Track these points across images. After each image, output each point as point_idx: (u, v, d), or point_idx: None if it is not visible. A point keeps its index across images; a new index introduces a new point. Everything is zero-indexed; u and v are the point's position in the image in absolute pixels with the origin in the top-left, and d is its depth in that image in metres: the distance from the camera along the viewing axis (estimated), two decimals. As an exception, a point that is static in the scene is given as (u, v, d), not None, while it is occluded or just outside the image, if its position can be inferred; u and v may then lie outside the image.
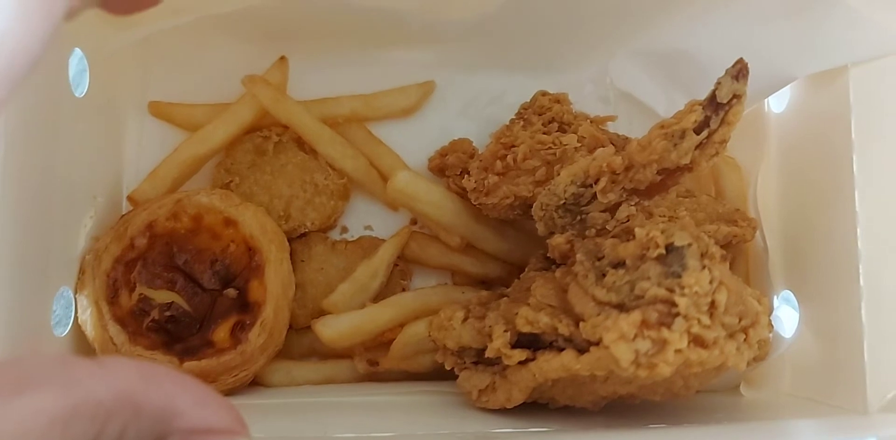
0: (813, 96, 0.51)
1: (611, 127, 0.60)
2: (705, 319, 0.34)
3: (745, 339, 0.37)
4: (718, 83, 0.40)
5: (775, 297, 0.53)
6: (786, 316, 0.53)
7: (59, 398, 0.22)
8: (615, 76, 0.61)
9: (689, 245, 0.36)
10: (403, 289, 0.57)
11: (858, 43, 0.46)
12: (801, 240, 0.53)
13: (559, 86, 0.60)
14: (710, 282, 0.35)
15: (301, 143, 0.58)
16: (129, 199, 0.55)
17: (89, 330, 0.48)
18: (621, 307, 0.37)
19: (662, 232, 0.37)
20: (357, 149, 0.59)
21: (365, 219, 0.61)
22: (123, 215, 0.53)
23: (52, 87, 0.49)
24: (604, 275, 0.39)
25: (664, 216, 0.49)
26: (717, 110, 0.41)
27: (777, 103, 0.56)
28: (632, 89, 0.60)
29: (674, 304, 0.34)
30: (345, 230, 0.60)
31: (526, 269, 0.51)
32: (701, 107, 0.41)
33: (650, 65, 0.59)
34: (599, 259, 0.41)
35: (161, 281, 0.50)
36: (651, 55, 0.59)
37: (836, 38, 0.47)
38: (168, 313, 0.50)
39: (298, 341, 0.55)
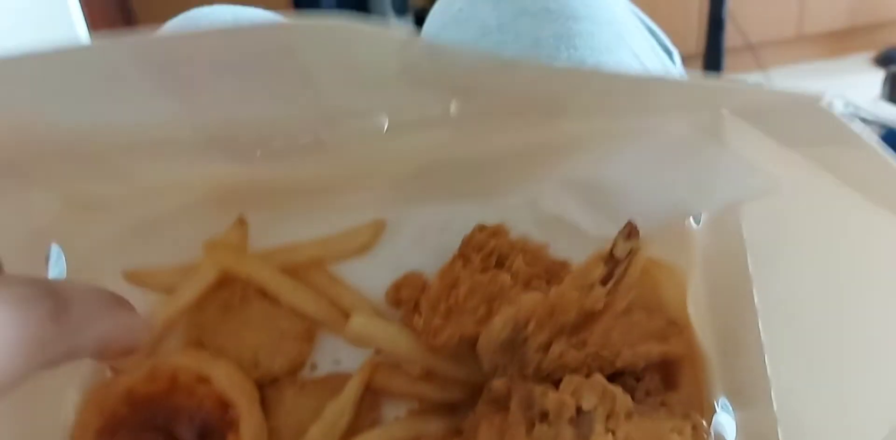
0: (715, 223, 0.57)
1: (551, 250, 0.65)
2: (619, 476, 0.38)
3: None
4: (614, 243, 0.46)
5: (716, 404, 0.57)
6: (726, 422, 0.56)
7: None
8: (544, 202, 0.66)
9: (595, 408, 0.40)
10: (373, 421, 0.61)
11: (741, 183, 0.51)
12: (728, 347, 0.57)
13: (501, 210, 0.66)
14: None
15: (264, 294, 0.63)
16: (112, 370, 0.59)
17: (79, 501, 0.52)
18: (547, 460, 0.41)
19: (572, 394, 0.41)
20: (318, 292, 0.63)
21: (333, 353, 0.65)
22: (101, 385, 0.57)
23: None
24: (532, 426, 0.44)
25: (596, 344, 0.54)
26: (617, 264, 0.46)
27: (697, 219, 0.61)
28: (562, 214, 0.65)
29: (588, 464, 0.39)
30: (314, 367, 0.65)
31: (479, 402, 0.56)
32: (603, 262, 0.47)
33: (575, 192, 0.64)
34: (530, 408, 0.45)
35: (143, 444, 0.54)
36: (575, 184, 0.64)
37: (722, 177, 0.52)
38: (153, 478, 0.53)
39: (275, 485, 0.59)
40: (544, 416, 0.43)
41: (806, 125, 0.43)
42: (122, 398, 0.55)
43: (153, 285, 0.64)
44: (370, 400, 0.62)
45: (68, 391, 0.56)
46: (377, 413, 0.62)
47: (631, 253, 0.46)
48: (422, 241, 0.69)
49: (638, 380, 0.54)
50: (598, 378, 0.45)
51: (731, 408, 0.56)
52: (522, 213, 0.68)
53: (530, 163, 0.63)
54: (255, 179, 0.58)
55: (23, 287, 0.30)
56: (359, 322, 0.59)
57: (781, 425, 0.49)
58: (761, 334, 0.50)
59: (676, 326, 0.59)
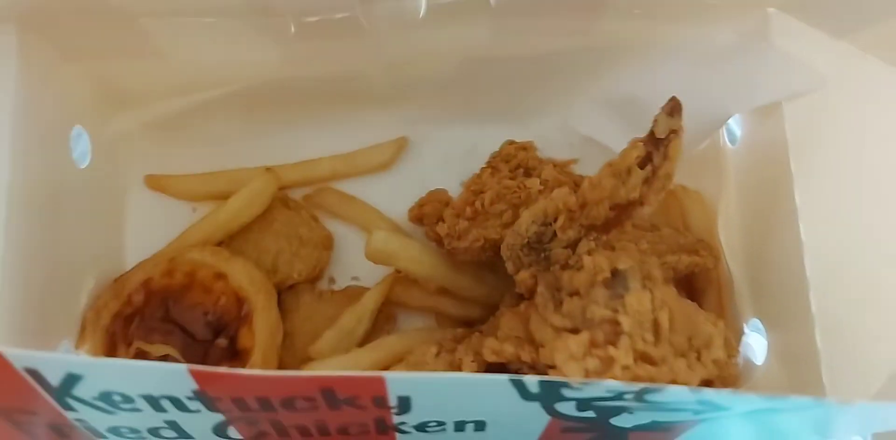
0: (757, 132, 0.55)
1: (576, 169, 0.64)
2: (650, 337, 0.36)
3: (697, 358, 0.39)
4: (655, 120, 0.44)
5: (745, 325, 0.55)
6: (756, 344, 0.54)
7: None
8: (577, 123, 0.65)
9: (631, 267, 0.38)
10: (388, 333, 0.60)
11: (787, 81, 0.49)
12: (762, 270, 0.55)
13: (528, 134, 0.64)
14: (652, 302, 0.37)
15: (286, 202, 0.62)
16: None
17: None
18: (575, 331, 0.40)
19: (607, 258, 0.40)
20: (334, 211, 0.63)
21: (352, 270, 0.64)
22: (121, 275, 0.57)
23: (56, 158, 0.53)
24: (561, 304, 0.42)
25: (625, 248, 0.52)
26: (657, 145, 0.44)
27: (731, 139, 0.59)
28: (593, 134, 0.64)
29: (618, 324, 0.37)
30: (332, 281, 0.63)
31: (500, 307, 0.54)
32: (642, 143, 0.45)
33: (608, 110, 0.63)
34: (558, 290, 0.44)
35: (157, 334, 0.53)
36: (608, 101, 0.63)
37: (767, 78, 0.51)
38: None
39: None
40: (574, 294, 0.41)
41: (857, 4, 0.41)
42: (140, 286, 0.54)
43: (173, 191, 0.64)
44: (387, 312, 0.60)
45: (85, 278, 0.55)
46: (393, 325, 0.61)
47: (672, 133, 0.44)
48: (446, 162, 0.67)
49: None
50: (632, 247, 0.43)
51: (763, 330, 0.54)
52: (553, 135, 0.66)
53: (566, 77, 0.61)
54: (285, 76, 0.58)
55: None
56: (379, 237, 0.57)
57: (821, 343, 0.46)
58: (802, 235, 0.48)
59: (705, 243, 0.57)
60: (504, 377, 0.29)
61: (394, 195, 0.65)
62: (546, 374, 0.39)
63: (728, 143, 0.60)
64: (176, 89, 0.57)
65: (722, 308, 0.57)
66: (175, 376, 0.29)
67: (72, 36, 0.51)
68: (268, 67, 0.56)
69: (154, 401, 0.32)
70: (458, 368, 0.44)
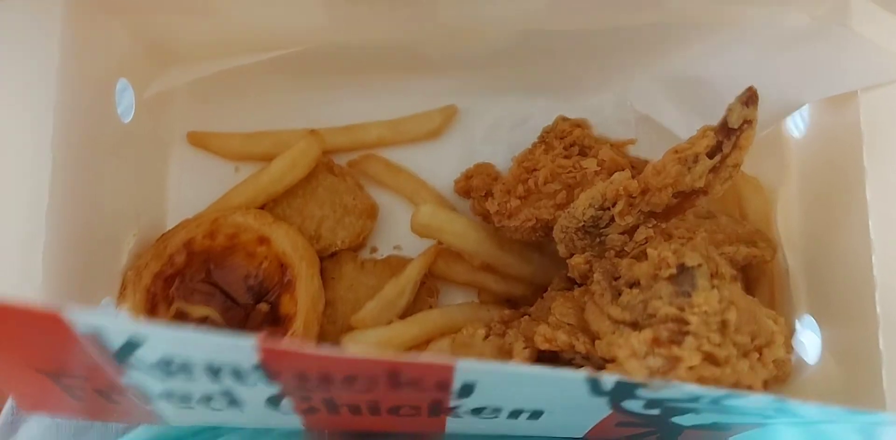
0: (828, 121, 0.52)
1: (631, 150, 0.62)
2: (716, 337, 0.35)
3: (758, 358, 0.38)
4: (730, 109, 0.42)
5: (798, 322, 0.54)
6: (808, 340, 0.53)
7: None
8: (635, 100, 0.63)
9: (699, 265, 0.37)
10: (430, 306, 0.59)
11: (866, 69, 0.47)
12: (822, 265, 0.53)
13: (580, 109, 0.62)
14: (720, 302, 0.36)
15: (331, 168, 0.61)
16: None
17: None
18: (635, 325, 0.39)
19: (674, 253, 0.38)
20: (379, 180, 0.62)
21: (394, 239, 0.63)
22: (163, 234, 0.56)
23: (100, 112, 0.52)
24: (619, 295, 0.41)
25: (683, 237, 0.50)
26: (728, 135, 0.42)
27: (797, 128, 0.57)
28: (651, 113, 0.61)
29: (684, 323, 0.36)
30: (374, 250, 0.63)
31: (548, 289, 0.53)
32: (713, 132, 0.43)
33: (669, 89, 0.60)
34: (616, 279, 0.43)
35: (197, 295, 0.53)
36: (670, 80, 0.60)
37: (844, 65, 0.48)
38: (204, 326, 0.52)
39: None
40: (634, 285, 0.40)
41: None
42: (181, 247, 0.53)
43: (216, 149, 0.62)
44: (430, 285, 0.59)
45: (127, 234, 0.55)
46: (435, 299, 0.60)
47: (745, 123, 0.42)
48: (494, 134, 0.65)
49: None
50: (700, 241, 0.41)
51: (816, 327, 0.52)
52: (607, 112, 0.63)
53: (626, 51, 0.59)
54: (339, 40, 0.56)
55: None
56: (426, 211, 0.56)
57: (884, 345, 0.45)
58: (871, 231, 0.46)
59: (763, 234, 0.56)
60: (581, 375, 0.28)
61: (439, 165, 0.64)
62: (602, 367, 0.39)
63: (792, 130, 0.57)
64: (224, 48, 0.55)
65: (774, 301, 0.56)
66: (241, 349, 0.29)
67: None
68: (319, 32, 0.54)
69: (214, 371, 0.31)
70: (509, 353, 0.44)
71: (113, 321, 0.29)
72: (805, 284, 0.55)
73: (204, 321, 0.52)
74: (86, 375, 0.33)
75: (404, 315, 0.57)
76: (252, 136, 0.62)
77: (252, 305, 0.54)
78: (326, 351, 0.28)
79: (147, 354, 0.30)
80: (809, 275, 0.55)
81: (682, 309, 0.36)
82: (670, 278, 0.37)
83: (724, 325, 0.36)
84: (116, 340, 0.29)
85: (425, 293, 0.59)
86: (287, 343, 0.28)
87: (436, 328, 0.55)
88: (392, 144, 0.64)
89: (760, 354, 0.38)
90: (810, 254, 0.55)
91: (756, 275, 0.56)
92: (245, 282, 0.54)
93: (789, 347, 0.42)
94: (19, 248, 0.43)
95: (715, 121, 0.48)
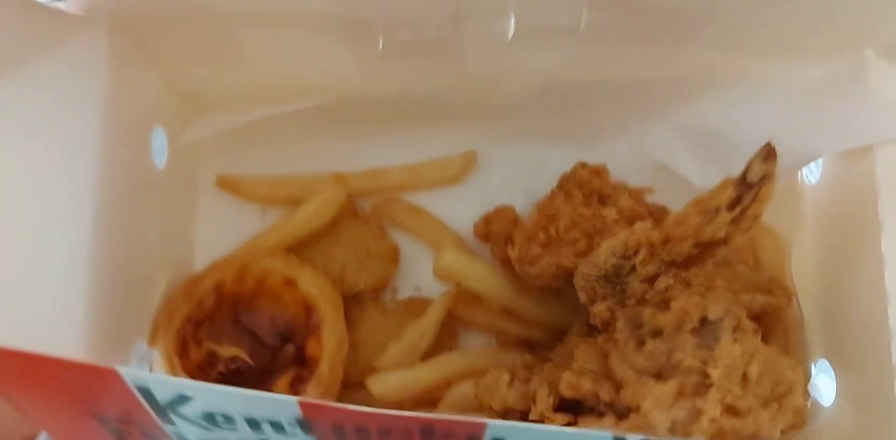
0: (843, 172, 0.54)
1: (648, 198, 0.63)
2: (738, 390, 0.36)
3: (778, 408, 0.39)
4: (749, 165, 0.43)
5: (813, 366, 0.55)
6: (823, 385, 0.54)
7: None
8: (652, 149, 0.64)
9: (722, 319, 0.38)
10: (450, 347, 0.60)
11: (882, 124, 0.49)
12: (837, 311, 0.54)
13: (598, 156, 0.64)
14: (742, 355, 0.37)
15: (355, 213, 0.63)
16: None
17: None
18: (658, 375, 0.40)
19: (696, 305, 0.39)
20: (401, 225, 0.64)
21: (415, 280, 0.64)
22: (193, 277, 0.57)
23: (138, 159, 0.54)
24: (643, 343, 0.42)
25: (701, 286, 0.51)
26: (748, 189, 0.44)
27: (812, 175, 0.59)
28: (667, 161, 0.63)
29: (707, 375, 0.37)
30: (395, 291, 0.64)
31: (568, 334, 0.54)
32: (733, 185, 0.44)
33: (686, 139, 0.62)
34: (639, 327, 0.44)
35: (226, 337, 0.54)
36: (687, 131, 0.62)
37: (860, 120, 0.50)
38: (233, 366, 0.53)
39: (350, 397, 0.58)
40: (657, 334, 0.41)
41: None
42: (211, 290, 0.55)
43: (244, 193, 0.64)
44: (450, 327, 0.61)
45: (158, 278, 0.57)
46: (455, 340, 0.61)
47: (765, 178, 0.44)
48: (513, 180, 0.67)
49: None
50: (723, 293, 0.43)
51: (832, 371, 0.53)
52: (624, 160, 0.65)
53: (644, 101, 0.61)
54: (367, 90, 0.58)
55: None
56: (448, 257, 0.58)
57: None
58: (887, 284, 0.47)
59: (778, 283, 0.57)
60: (608, 435, 0.29)
61: (459, 209, 0.65)
62: (625, 415, 0.40)
63: (807, 178, 0.59)
64: (256, 98, 0.58)
65: (788, 347, 0.57)
66: (284, 405, 0.30)
67: (160, 40, 0.52)
68: (349, 82, 0.56)
69: (255, 424, 0.33)
70: (533, 400, 0.45)
71: (163, 380, 0.30)
72: (820, 331, 0.56)
73: (233, 361, 0.54)
74: (136, 420, 0.35)
75: (425, 356, 0.58)
76: (279, 180, 0.64)
77: (279, 347, 0.55)
78: (365, 409, 0.30)
79: (194, 409, 0.32)
80: (825, 322, 0.56)
81: (705, 362, 0.37)
82: (693, 331, 0.38)
83: (745, 378, 0.37)
84: (165, 396, 0.31)
85: (445, 334, 0.60)
86: (326, 401, 0.30)
87: (457, 371, 0.56)
88: (413, 189, 0.66)
89: (780, 404, 0.39)
90: (825, 302, 0.56)
91: (771, 321, 0.57)
92: (272, 325, 0.55)
93: (806, 395, 0.43)
94: (62, 292, 0.45)
95: (730, 170, 0.50)
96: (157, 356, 0.53)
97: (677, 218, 0.46)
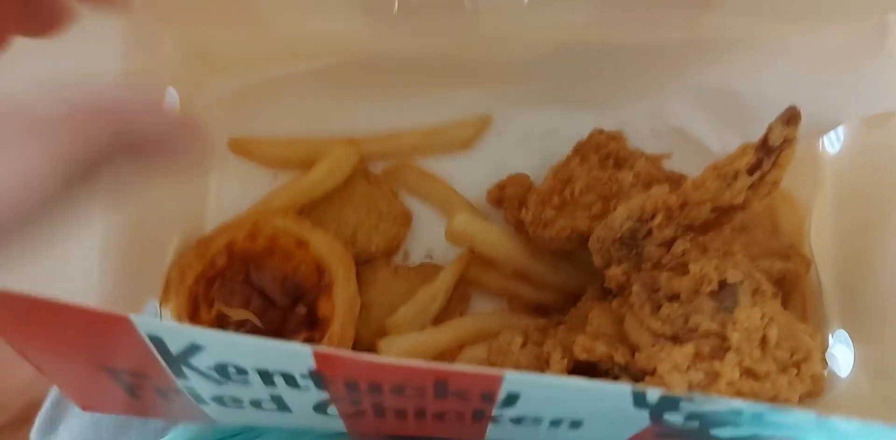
0: (865, 139, 0.53)
1: (665, 163, 0.62)
2: (756, 353, 0.36)
3: (797, 374, 0.39)
4: (770, 128, 0.42)
5: (830, 336, 0.54)
6: (841, 355, 0.53)
7: None
8: (669, 112, 0.63)
9: (741, 282, 0.38)
10: (462, 313, 0.60)
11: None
12: (855, 281, 0.54)
13: (613, 121, 0.63)
14: (762, 318, 0.37)
15: (367, 175, 0.62)
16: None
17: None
18: (675, 339, 0.39)
19: (716, 268, 0.39)
20: (412, 189, 0.64)
21: (426, 245, 0.64)
22: (203, 237, 0.57)
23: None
24: (659, 307, 0.41)
25: (719, 250, 0.51)
26: (768, 153, 0.43)
27: (832, 144, 0.57)
28: (685, 125, 0.62)
29: (725, 338, 0.36)
30: (407, 255, 0.64)
31: (583, 298, 0.54)
32: (753, 149, 0.43)
33: (703, 103, 0.61)
34: (655, 291, 0.43)
35: (237, 297, 0.54)
36: (705, 94, 0.61)
37: (883, 85, 0.48)
38: (243, 329, 0.53)
39: (360, 360, 0.58)
40: (673, 298, 0.41)
41: None
42: (223, 248, 0.55)
43: (256, 156, 0.64)
44: (461, 291, 0.60)
45: (171, 237, 0.56)
46: (466, 305, 0.61)
47: (786, 142, 0.43)
48: (526, 144, 0.66)
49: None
50: (741, 258, 0.42)
51: (850, 341, 0.53)
52: (641, 123, 0.64)
53: (662, 65, 0.59)
54: (381, 50, 0.57)
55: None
56: (461, 220, 0.57)
57: None
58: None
59: (797, 248, 0.56)
60: (626, 388, 0.28)
61: (472, 173, 0.64)
62: (640, 379, 0.39)
63: (827, 146, 0.58)
64: (269, 58, 0.57)
65: (806, 315, 0.56)
66: (297, 356, 0.30)
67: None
68: (364, 42, 0.55)
69: (267, 376, 0.32)
70: (546, 362, 0.44)
71: (175, 328, 0.30)
72: (839, 300, 0.55)
73: (244, 323, 0.54)
74: (149, 374, 0.34)
75: (437, 320, 0.58)
76: (291, 142, 0.64)
77: (290, 307, 0.55)
78: (379, 359, 0.29)
79: (205, 359, 0.31)
80: (842, 291, 0.55)
81: (723, 325, 0.37)
82: (712, 294, 0.38)
83: (764, 341, 0.37)
84: (177, 346, 0.31)
85: (457, 299, 0.60)
86: (340, 351, 0.29)
87: (469, 334, 0.56)
88: (426, 153, 0.65)
89: (798, 370, 0.39)
90: (845, 270, 0.55)
91: (789, 289, 0.56)
92: (283, 285, 0.55)
93: (825, 362, 0.42)
94: (75, 249, 0.44)
95: (748, 135, 0.49)
96: (168, 317, 0.53)
97: (695, 182, 0.45)
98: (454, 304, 0.60)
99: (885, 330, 0.49)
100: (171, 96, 0.56)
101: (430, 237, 0.64)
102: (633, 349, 0.40)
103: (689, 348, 0.36)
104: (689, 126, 0.62)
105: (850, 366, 0.52)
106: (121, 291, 0.48)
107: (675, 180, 0.57)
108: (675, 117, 0.63)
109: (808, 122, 0.53)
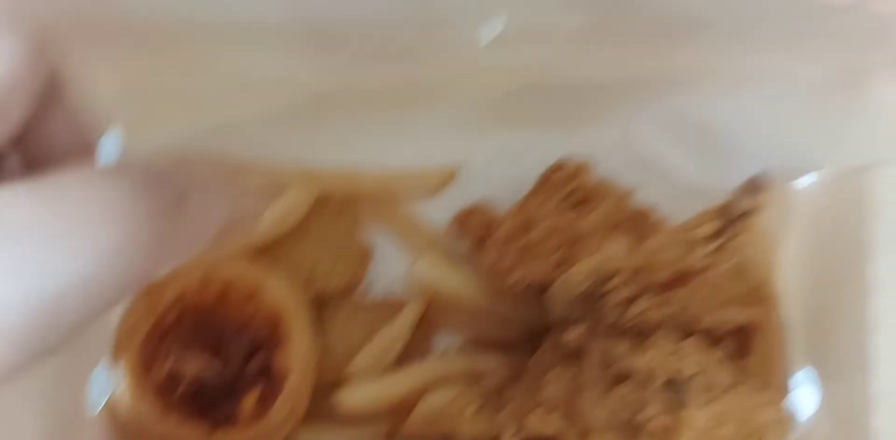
0: (838, 182, 0.51)
1: (635, 192, 0.60)
2: (708, 451, 0.35)
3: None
4: (733, 197, 0.40)
5: (794, 375, 0.54)
6: (805, 393, 0.53)
7: None
8: (634, 139, 0.61)
9: (695, 376, 0.36)
10: (424, 351, 0.59)
11: (884, 143, 0.45)
12: (822, 318, 0.53)
13: (580, 144, 0.60)
14: (716, 417, 0.36)
15: (325, 207, 0.60)
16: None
17: (126, 402, 0.51)
18: (627, 424, 0.38)
19: (671, 354, 0.38)
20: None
21: (388, 278, 0.62)
22: (152, 285, 0.55)
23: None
24: (615, 383, 0.40)
25: (679, 304, 0.49)
26: (730, 221, 0.41)
27: (804, 178, 0.55)
28: (654, 154, 0.60)
29: (678, 435, 0.35)
30: (368, 287, 0.62)
31: (543, 346, 0.53)
32: (715, 217, 0.42)
33: (673, 130, 0.58)
34: (609, 366, 0.42)
35: (190, 352, 0.53)
36: (676, 121, 0.58)
37: (861, 136, 0.46)
38: (196, 386, 0.52)
39: (318, 403, 0.57)
40: (625, 377, 0.40)
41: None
42: (172, 303, 0.53)
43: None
44: (423, 330, 0.59)
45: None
46: (429, 344, 0.60)
47: (749, 211, 0.41)
48: (493, 168, 0.63)
49: (716, 343, 0.50)
50: (697, 342, 0.41)
51: (817, 380, 0.52)
52: (609, 149, 0.61)
53: (632, 94, 0.57)
54: (334, 87, 0.53)
55: (135, 176, 0.25)
56: (422, 267, 0.56)
57: (878, 403, 0.45)
58: (868, 307, 0.45)
59: (760, 293, 0.55)
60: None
61: (437, 198, 0.62)
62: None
63: (797, 182, 0.56)
64: (219, 100, 0.53)
65: (773, 354, 0.55)
66: None
67: (113, 46, 0.47)
68: (319, 79, 0.52)
69: None
70: (497, 437, 0.44)
71: None
72: (806, 336, 0.54)
73: (197, 379, 0.52)
74: None
75: (399, 360, 0.57)
76: (246, 172, 0.61)
77: (245, 360, 0.54)
78: None
79: None
80: (810, 327, 0.54)
81: (676, 421, 0.36)
82: (667, 384, 0.37)
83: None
84: None
85: (419, 338, 0.59)
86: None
87: (431, 380, 0.55)
88: (386, 195, 0.62)
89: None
90: (808, 308, 0.54)
91: (754, 331, 0.55)
92: (237, 337, 0.54)
93: (786, 423, 0.42)
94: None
95: (715, 166, 0.47)
96: (118, 377, 0.51)
97: (654, 247, 0.43)
98: (416, 344, 0.58)
99: (849, 367, 0.49)
100: (114, 136, 0.53)
101: (392, 270, 0.62)
102: (585, 431, 0.40)
103: (638, 447, 0.35)
104: (659, 155, 0.59)
105: (816, 406, 0.52)
106: (70, 359, 0.47)
107: (641, 219, 0.55)
108: (645, 145, 0.60)
109: (786, 159, 0.51)
